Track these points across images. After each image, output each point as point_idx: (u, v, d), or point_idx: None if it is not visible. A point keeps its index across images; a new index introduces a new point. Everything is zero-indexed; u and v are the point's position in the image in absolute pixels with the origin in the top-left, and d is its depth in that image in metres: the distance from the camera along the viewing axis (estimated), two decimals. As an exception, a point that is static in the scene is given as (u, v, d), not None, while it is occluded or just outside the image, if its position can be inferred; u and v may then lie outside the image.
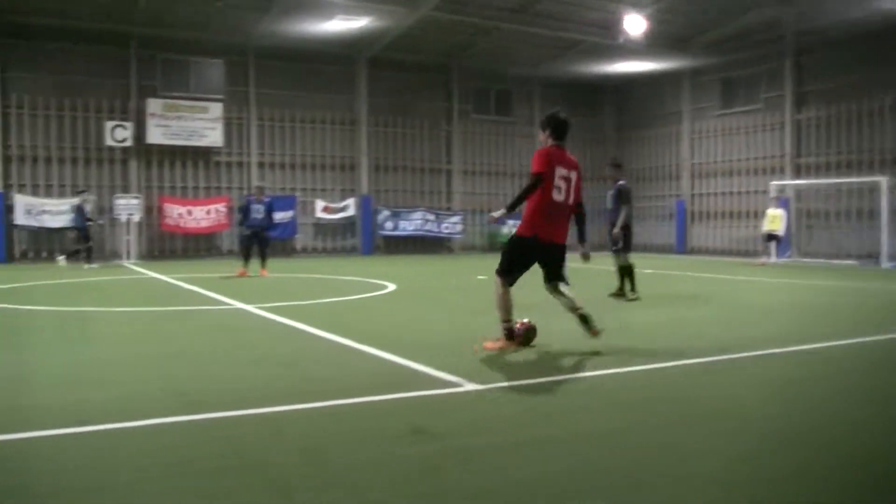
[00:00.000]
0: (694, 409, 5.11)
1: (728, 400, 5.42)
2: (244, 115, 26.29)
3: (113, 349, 7.59)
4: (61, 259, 21.24)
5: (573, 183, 7.23)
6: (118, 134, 24.11)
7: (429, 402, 5.35)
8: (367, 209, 27.59)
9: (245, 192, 24.75)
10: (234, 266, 17.47)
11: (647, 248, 29.49)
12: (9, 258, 23.28)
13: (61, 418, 4.85)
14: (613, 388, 5.84)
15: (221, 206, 25.25)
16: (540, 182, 6.99)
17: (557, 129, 7.28)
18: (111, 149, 24.43)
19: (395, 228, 28.01)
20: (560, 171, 7.09)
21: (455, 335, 8.27)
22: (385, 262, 23.58)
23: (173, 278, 16.32)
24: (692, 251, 29.17)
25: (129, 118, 24.55)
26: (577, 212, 7.46)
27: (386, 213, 27.84)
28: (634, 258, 12.24)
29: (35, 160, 23.89)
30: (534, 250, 7.16)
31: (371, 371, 6.39)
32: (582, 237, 7.62)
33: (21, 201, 23.30)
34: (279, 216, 25.40)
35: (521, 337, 7.25)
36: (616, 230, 11.88)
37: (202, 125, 25.13)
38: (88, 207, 21.90)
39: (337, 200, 27.29)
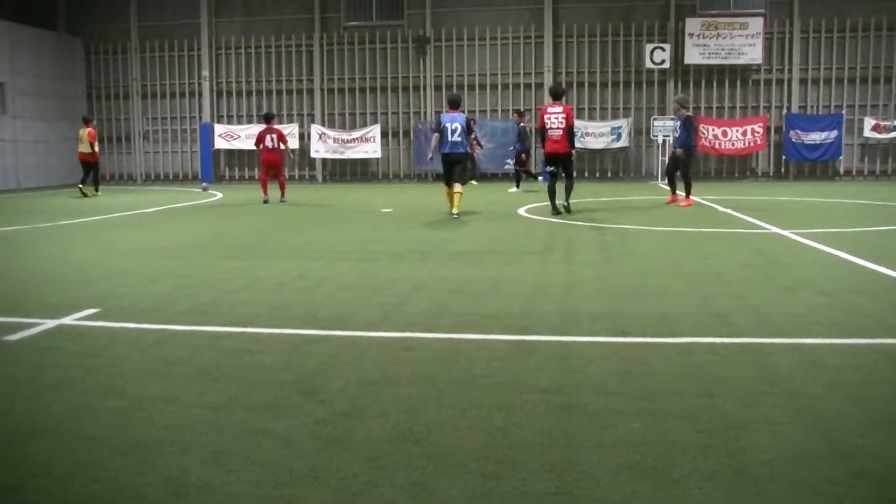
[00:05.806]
0: None
1: None
2: (785, 29, 24.81)
3: (650, 264, 7.96)
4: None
5: (559, 118, 12.91)
6: (657, 56, 24.65)
7: None
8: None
9: (784, 111, 23.64)
10: (765, 190, 16.80)
11: None
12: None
13: (605, 326, 5.30)
14: None
15: (758, 127, 24.45)
16: (542, 127, 13.22)
17: (554, 95, 13.45)
18: (650, 71, 25.13)
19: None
20: (548, 117, 13.04)
21: None
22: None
23: (707, 200, 16.41)
24: None
25: (668, 39, 24.91)
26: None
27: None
28: None
29: (581, 85, 25.68)
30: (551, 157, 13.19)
31: (925, 310, 5.73)
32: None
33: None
34: (821, 136, 23.91)
35: None
36: None
37: (741, 42, 24.40)
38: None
39: (891, 117, 24.37)
